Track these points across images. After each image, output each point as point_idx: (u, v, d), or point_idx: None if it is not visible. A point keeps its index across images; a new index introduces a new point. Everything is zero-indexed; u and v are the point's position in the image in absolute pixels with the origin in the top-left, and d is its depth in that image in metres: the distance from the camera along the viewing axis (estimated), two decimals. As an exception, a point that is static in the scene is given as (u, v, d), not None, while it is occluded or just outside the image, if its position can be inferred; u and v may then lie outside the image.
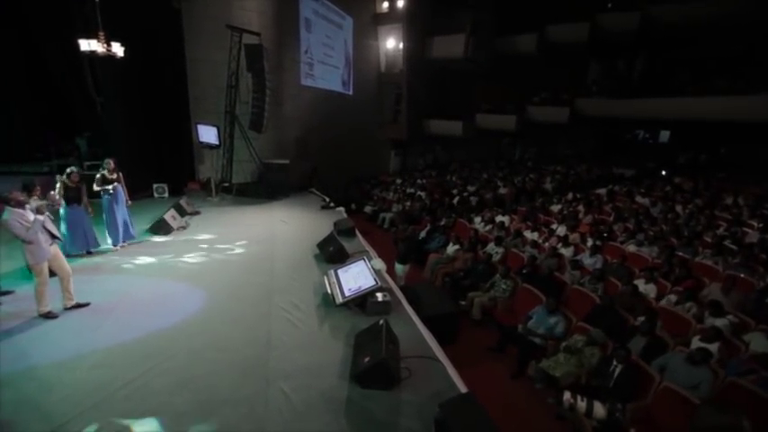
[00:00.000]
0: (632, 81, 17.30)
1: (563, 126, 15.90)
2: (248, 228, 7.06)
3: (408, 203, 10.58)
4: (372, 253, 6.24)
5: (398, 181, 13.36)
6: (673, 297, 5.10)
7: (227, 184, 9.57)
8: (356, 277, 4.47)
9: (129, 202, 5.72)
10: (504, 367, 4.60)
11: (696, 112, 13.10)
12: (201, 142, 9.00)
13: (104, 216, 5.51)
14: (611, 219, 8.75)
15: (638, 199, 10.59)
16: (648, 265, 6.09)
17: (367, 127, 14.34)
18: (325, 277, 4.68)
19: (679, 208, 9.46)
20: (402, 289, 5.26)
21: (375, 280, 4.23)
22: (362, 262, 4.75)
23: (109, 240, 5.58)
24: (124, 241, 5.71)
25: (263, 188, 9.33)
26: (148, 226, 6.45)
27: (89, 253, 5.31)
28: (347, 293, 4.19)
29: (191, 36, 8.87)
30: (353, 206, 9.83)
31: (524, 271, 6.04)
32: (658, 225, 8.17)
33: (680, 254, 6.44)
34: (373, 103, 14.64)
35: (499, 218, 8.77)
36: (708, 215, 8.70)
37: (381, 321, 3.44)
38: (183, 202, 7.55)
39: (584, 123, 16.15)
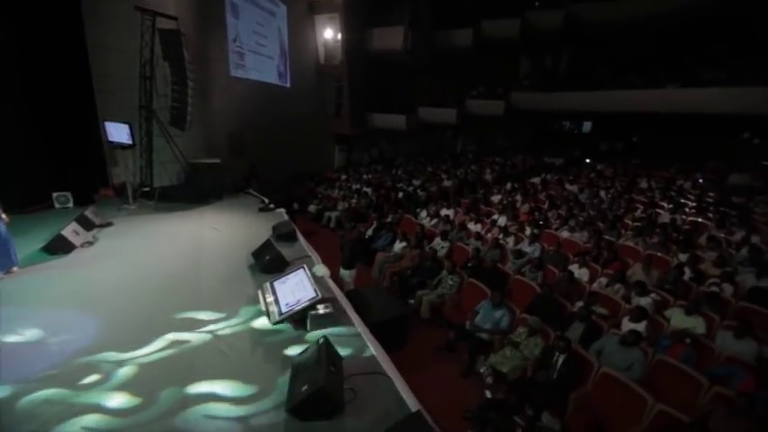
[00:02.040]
0: (558, 76, 18.60)
1: (500, 118, 16.61)
2: (170, 238, 6.26)
3: (354, 200, 10.27)
4: (316, 258, 5.87)
5: (343, 177, 12.97)
6: (603, 280, 5.42)
7: (147, 189, 8.48)
8: (294, 289, 4.09)
9: (5, 217, 4.66)
10: (456, 366, 4.53)
11: (614, 104, 14.42)
12: (111, 142, 7.83)
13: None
14: (546, 206, 9.23)
15: (568, 186, 11.36)
16: (580, 250, 6.46)
17: (308, 121, 13.67)
18: (260, 292, 4.22)
19: (603, 193, 10.28)
20: (349, 295, 4.98)
21: (315, 291, 3.88)
22: (302, 271, 4.36)
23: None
24: (8, 267, 4.68)
25: (191, 191, 8.42)
26: (42, 245, 5.40)
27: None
28: (284, 309, 3.80)
29: (92, 19, 7.59)
30: (296, 206, 9.27)
31: (470, 264, 6.06)
32: (586, 210, 8.76)
33: (606, 237, 6.93)
34: (314, 97, 14.00)
35: (444, 211, 8.82)
36: (627, 199, 9.54)
37: (321, 340, 3.12)
38: (89, 212, 6.49)
39: (519, 116, 17.01)
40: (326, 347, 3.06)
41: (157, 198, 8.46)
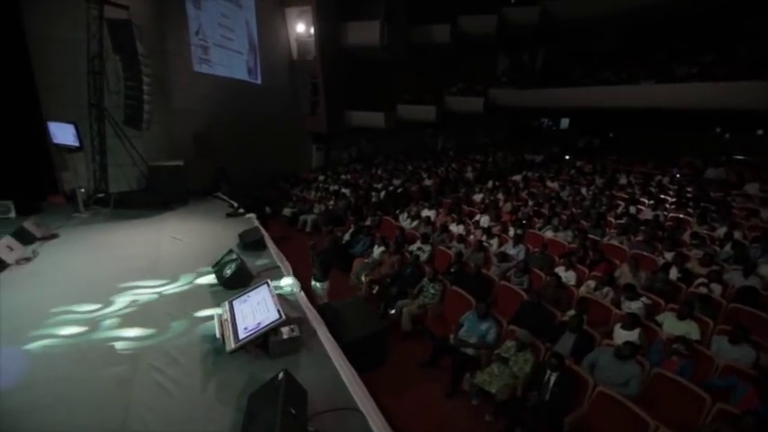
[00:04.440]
0: (535, 72, 18.59)
1: (479, 115, 16.42)
2: (123, 251, 5.62)
3: (331, 203, 9.77)
4: (286, 268, 5.38)
5: (321, 178, 12.43)
6: (591, 283, 5.16)
7: (101, 195, 7.74)
8: (256, 309, 3.60)
9: None
10: (439, 384, 4.16)
11: (590, 100, 14.44)
12: (57, 144, 7.07)
13: None
14: (529, 205, 9.00)
15: (549, 183, 11.21)
16: (566, 251, 6.21)
17: (283, 120, 13.04)
18: (215, 314, 3.71)
19: (584, 190, 10.16)
20: (321, 309, 4.53)
21: (279, 312, 3.41)
22: (265, 287, 3.88)
23: None
24: None
25: (151, 196, 7.73)
26: (-32, 263, 4.70)
27: None
28: (242, 335, 3.31)
29: (32, 6, 6.81)
30: (268, 210, 8.70)
31: (452, 270, 5.71)
32: (569, 208, 8.58)
33: (591, 236, 6.72)
34: (288, 94, 13.37)
35: (425, 212, 8.46)
36: (608, 195, 9.43)
37: (281, 375, 2.66)
38: (29, 224, 5.77)
39: (498, 112, 16.88)
40: (286, 383, 2.61)
41: (113, 205, 7.74)
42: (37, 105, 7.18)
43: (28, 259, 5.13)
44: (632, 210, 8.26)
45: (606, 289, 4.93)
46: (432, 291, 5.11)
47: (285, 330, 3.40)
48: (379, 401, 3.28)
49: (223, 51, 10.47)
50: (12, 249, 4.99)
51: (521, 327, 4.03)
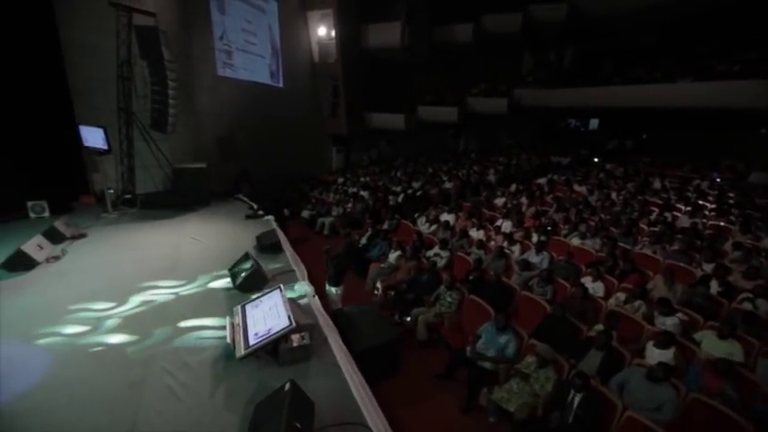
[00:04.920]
0: (563, 71, 17.94)
1: (503, 116, 16.00)
2: (146, 251, 5.77)
3: (350, 205, 9.73)
4: (301, 272, 5.35)
5: (340, 180, 12.43)
6: (621, 295, 4.83)
7: (129, 196, 8.01)
8: (267, 315, 3.56)
9: None
10: (454, 398, 3.98)
11: (621, 100, 13.75)
12: (88, 147, 7.37)
13: None
14: (553, 210, 8.63)
15: (576, 187, 10.73)
16: (593, 260, 5.87)
17: (304, 122, 13.17)
18: (228, 318, 3.70)
19: (614, 195, 9.65)
20: (335, 315, 4.46)
21: (289, 318, 3.35)
22: (277, 292, 3.83)
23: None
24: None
25: (175, 198, 7.94)
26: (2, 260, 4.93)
27: None
28: (252, 341, 3.27)
29: (66, 15, 7.15)
30: (287, 212, 8.75)
31: (471, 277, 5.50)
32: (597, 214, 8.15)
33: (621, 244, 6.33)
34: (309, 97, 13.49)
35: (444, 216, 8.26)
36: (641, 201, 8.91)
37: (287, 385, 2.59)
38: (59, 223, 6.03)
39: (522, 113, 16.40)
40: (292, 394, 2.53)
41: (140, 205, 8.01)
42: (70, 110, 7.53)
43: (57, 258, 5.34)
44: (667, 216, 7.75)
45: (638, 302, 4.59)
46: (449, 299, 4.94)
47: (295, 338, 3.33)
48: (390, 413, 3.16)
49: (246, 55, 10.67)
50: (42, 248, 5.20)
51: (543, 341, 3.80)
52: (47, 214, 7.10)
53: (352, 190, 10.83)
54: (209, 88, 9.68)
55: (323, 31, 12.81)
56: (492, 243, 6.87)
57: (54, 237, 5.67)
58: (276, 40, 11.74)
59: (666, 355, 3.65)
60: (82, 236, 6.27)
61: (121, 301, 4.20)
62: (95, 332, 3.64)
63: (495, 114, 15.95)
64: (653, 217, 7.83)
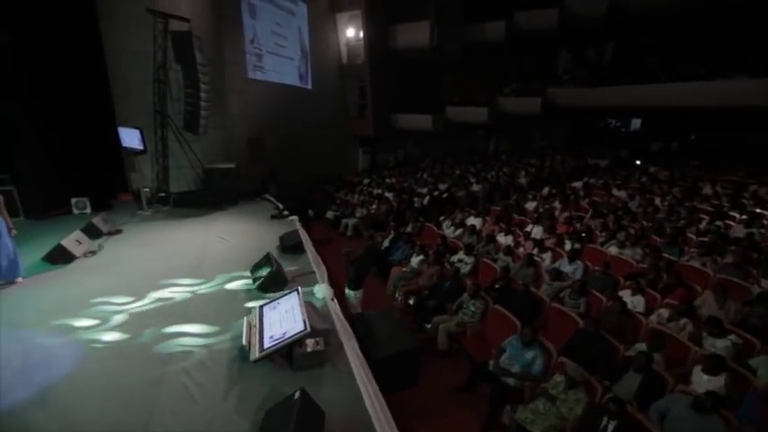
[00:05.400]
0: (603, 68, 16.97)
1: (536, 117, 15.37)
2: (174, 248, 5.95)
3: (374, 207, 9.65)
4: (321, 274, 5.30)
5: (366, 181, 12.40)
6: (664, 312, 4.41)
7: (163, 194, 8.36)
8: (283, 318, 3.52)
9: (14, 231, 4.53)
10: (474, 414, 3.77)
11: (667, 98, 12.79)
12: (125, 147, 7.75)
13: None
14: (589, 215, 8.11)
15: (615, 192, 10.07)
16: (633, 272, 5.43)
17: (331, 124, 13.28)
18: (245, 319, 3.69)
19: (658, 200, 8.96)
20: (354, 319, 4.37)
21: (304, 323, 3.28)
22: (295, 295, 3.79)
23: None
24: (10, 277, 4.51)
25: (205, 197, 8.19)
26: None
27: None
28: (267, 344, 3.23)
29: (108, 23, 7.57)
30: (311, 212, 8.79)
31: (497, 286, 5.24)
32: (639, 221, 7.58)
33: (666, 255, 5.81)
34: (337, 98, 13.58)
35: (470, 220, 7.99)
36: (689, 208, 8.20)
37: (297, 393, 2.51)
38: (97, 220, 6.36)
39: (557, 113, 15.68)
40: (302, 403, 2.45)
41: (173, 204, 8.33)
42: (111, 112, 7.95)
43: (93, 252, 5.61)
44: (719, 225, 7.06)
45: (683, 321, 4.17)
46: (472, 308, 4.71)
47: (310, 343, 3.26)
48: (404, 426, 3.03)
49: (276, 58, 10.87)
50: (80, 243, 5.49)
51: (573, 359, 3.51)
52: (88, 210, 7.53)
53: (376, 191, 10.76)
54: (240, 90, 9.93)
55: (351, 32, 12.85)
56: (521, 250, 6.55)
57: (92, 232, 5.97)
58: (305, 42, 11.89)
59: (716, 383, 3.26)
60: (118, 232, 6.57)
61: (144, 298, 4.32)
62: (116, 326, 3.75)
63: (528, 114, 15.35)
64: (702, 225, 7.17)
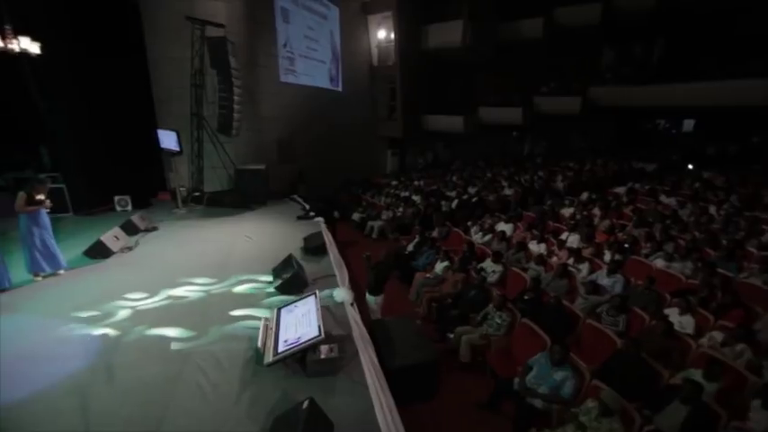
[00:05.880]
0: (651, 65, 15.78)
1: (575, 117, 14.55)
2: (202, 246, 6.13)
3: (400, 210, 9.52)
4: (342, 277, 5.24)
5: (393, 183, 12.30)
6: (717, 335, 3.93)
7: (197, 194, 8.70)
8: (299, 322, 3.47)
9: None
10: (497, 434, 3.54)
11: (725, 97, 11.62)
12: (163, 149, 8.14)
13: (24, 242, 4.66)
14: (633, 224, 7.50)
15: (663, 199, 9.28)
16: (682, 288, 4.92)
17: (360, 126, 13.32)
18: (263, 320, 3.68)
19: (713, 209, 8.13)
20: (372, 326, 4.27)
21: (319, 328, 3.21)
22: (312, 299, 3.74)
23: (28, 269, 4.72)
24: (49, 270, 4.82)
25: (235, 197, 8.43)
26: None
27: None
28: (281, 348, 3.19)
29: (151, 31, 8.02)
30: (337, 214, 8.80)
31: (526, 297, 4.94)
32: (690, 232, 6.90)
33: (721, 271, 5.21)
34: (366, 100, 13.60)
35: (501, 226, 7.64)
36: (749, 218, 7.37)
37: (306, 403, 2.43)
38: (136, 217, 6.69)
39: (599, 114, 14.76)
40: (309, 413, 2.36)
41: (206, 203, 8.64)
42: (153, 115, 8.39)
43: (129, 248, 5.90)
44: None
45: (740, 346, 3.69)
46: (497, 320, 4.45)
47: (324, 349, 3.18)
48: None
49: (308, 62, 11.04)
50: (118, 239, 5.78)
51: (609, 384, 3.19)
52: (129, 208, 7.98)
53: (403, 194, 10.62)
54: (272, 94, 10.17)
55: (382, 33, 12.83)
56: (554, 259, 6.16)
57: (129, 229, 6.29)
58: (337, 45, 12.00)
59: (783, 423, 2.83)
60: (154, 229, 6.89)
61: (168, 296, 4.44)
62: (146, 324, 3.86)
63: (566, 115, 14.57)
64: (765, 238, 6.41)
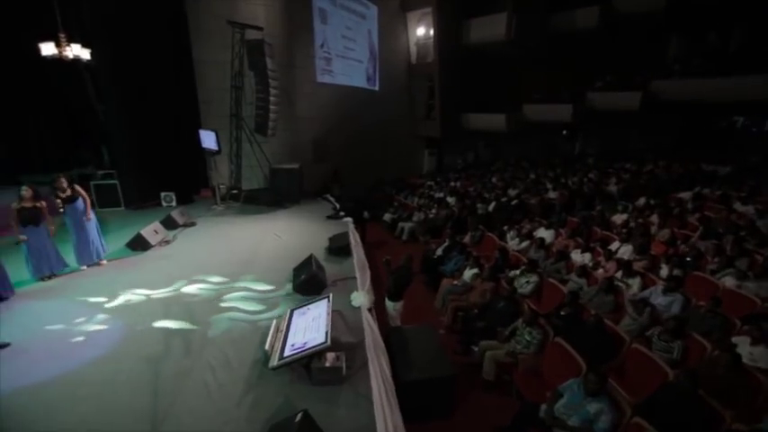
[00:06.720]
0: (728, 55, 13.89)
1: (634, 114, 13.21)
2: (233, 243, 6.29)
3: (433, 211, 9.20)
4: (363, 280, 5.08)
5: (429, 183, 11.96)
6: (802, 374, 3.23)
7: (235, 192, 9.04)
8: (309, 326, 3.36)
9: (88, 218, 5.12)
10: (518, 465, 3.18)
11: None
12: (203, 148, 8.53)
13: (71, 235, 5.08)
14: (699, 235, 6.58)
15: (738, 206, 8.05)
16: (755, 313, 4.15)
17: (397, 125, 13.14)
18: (274, 321, 3.62)
19: (801, 220, 6.90)
20: (389, 333, 4.07)
21: (326, 335, 3.07)
22: (325, 302, 3.62)
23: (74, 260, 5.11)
24: (91, 261, 5.18)
25: (270, 195, 8.63)
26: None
27: (50, 277, 4.84)
28: (287, 352, 3.09)
29: (196, 36, 8.45)
30: (367, 214, 8.69)
31: (562, 313, 4.45)
32: (771, 246, 5.88)
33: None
34: (403, 99, 13.39)
35: (541, 232, 7.08)
36: None
37: (299, 416, 2.29)
38: (175, 213, 7.05)
39: (662, 110, 13.28)
40: (301, 427, 2.22)
41: (243, 200, 8.94)
42: (198, 116, 8.84)
43: (168, 242, 6.21)
44: None
45: (836, 391, 3.00)
46: (527, 337, 4.04)
47: (330, 357, 3.04)
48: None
49: (345, 61, 11.07)
50: (157, 233, 6.11)
51: (654, 423, 2.71)
52: (174, 203, 8.47)
53: (437, 195, 10.27)
54: (309, 94, 10.32)
55: (421, 30, 12.55)
56: (599, 271, 5.54)
57: (169, 224, 6.63)
58: (375, 43, 11.92)
59: None
60: (192, 224, 7.22)
61: (189, 291, 4.56)
62: (167, 317, 3.98)
63: (624, 111, 13.28)
64: None
